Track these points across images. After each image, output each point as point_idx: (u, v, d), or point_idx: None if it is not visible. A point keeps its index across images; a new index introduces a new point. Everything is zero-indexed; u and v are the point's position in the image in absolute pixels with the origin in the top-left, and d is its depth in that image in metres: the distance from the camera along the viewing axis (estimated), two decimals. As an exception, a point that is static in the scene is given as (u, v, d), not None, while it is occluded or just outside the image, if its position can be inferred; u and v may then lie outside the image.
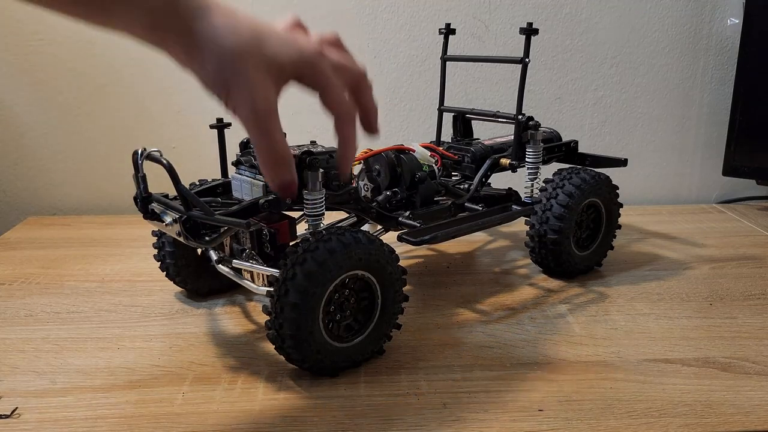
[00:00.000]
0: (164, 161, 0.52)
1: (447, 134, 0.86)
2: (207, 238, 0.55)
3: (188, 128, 1.03)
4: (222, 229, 0.55)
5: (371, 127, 0.49)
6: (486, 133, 0.93)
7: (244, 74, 0.41)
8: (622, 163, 0.79)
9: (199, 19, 0.40)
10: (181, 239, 0.54)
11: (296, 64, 0.43)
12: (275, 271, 0.52)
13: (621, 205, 0.77)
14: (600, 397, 0.51)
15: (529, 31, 0.70)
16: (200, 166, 1.03)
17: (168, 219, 0.53)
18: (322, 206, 0.54)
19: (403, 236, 0.61)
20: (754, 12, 0.98)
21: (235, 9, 0.43)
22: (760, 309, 0.67)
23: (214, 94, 0.42)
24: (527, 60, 0.71)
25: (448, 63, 0.84)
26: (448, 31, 0.82)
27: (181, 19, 0.40)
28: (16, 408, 0.49)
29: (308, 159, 0.52)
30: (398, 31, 1.02)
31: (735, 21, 1.06)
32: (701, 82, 1.10)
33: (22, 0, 0.38)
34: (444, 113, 0.84)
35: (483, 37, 1.04)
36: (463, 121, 0.85)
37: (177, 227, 0.53)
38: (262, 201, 0.54)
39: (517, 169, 0.76)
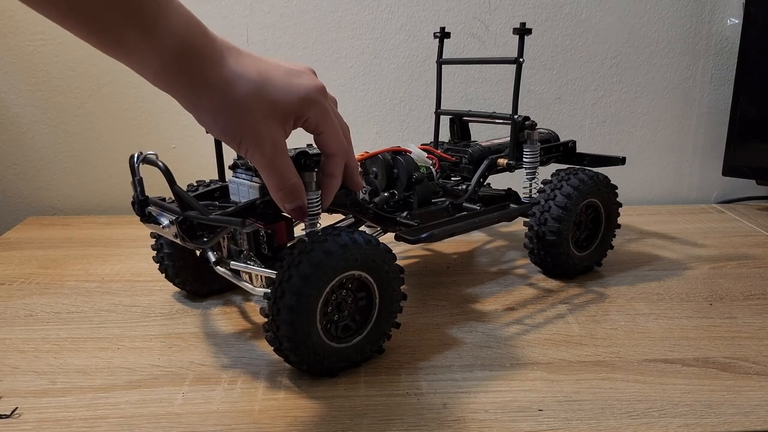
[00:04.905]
0: (160, 164, 0.53)
1: (445, 137, 0.86)
2: (204, 239, 0.55)
3: (188, 129, 1.03)
4: (218, 229, 0.55)
5: (356, 185, 0.55)
6: (485, 135, 0.93)
7: (253, 124, 0.44)
8: (620, 161, 0.79)
9: (210, 71, 0.42)
10: (178, 241, 0.54)
11: (300, 105, 0.46)
12: (272, 273, 0.52)
13: (620, 205, 0.77)
14: (600, 397, 0.51)
15: (523, 31, 0.71)
16: (199, 166, 1.03)
17: (165, 221, 0.53)
18: (319, 206, 0.54)
19: (401, 235, 0.61)
20: (754, 12, 0.98)
21: (242, 52, 0.44)
22: (760, 309, 0.67)
23: (225, 141, 0.45)
24: (521, 60, 0.72)
25: (447, 64, 0.84)
26: (443, 35, 0.82)
27: (192, 69, 0.41)
28: (16, 408, 0.49)
29: (303, 160, 0.52)
30: (398, 32, 1.02)
31: (735, 21, 1.06)
32: (701, 82, 1.10)
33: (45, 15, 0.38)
34: (441, 116, 0.84)
35: (483, 38, 1.04)
36: (460, 124, 0.85)
37: (174, 229, 0.53)
38: (258, 202, 0.54)
39: (515, 169, 0.76)
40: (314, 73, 0.49)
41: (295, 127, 0.48)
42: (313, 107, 0.47)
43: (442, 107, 0.85)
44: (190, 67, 0.41)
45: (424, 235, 0.61)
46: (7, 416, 0.48)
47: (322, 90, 0.47)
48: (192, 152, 1.04)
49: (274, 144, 0.45)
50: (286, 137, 0.47)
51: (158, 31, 0.39)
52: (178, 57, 0.40)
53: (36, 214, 1.04)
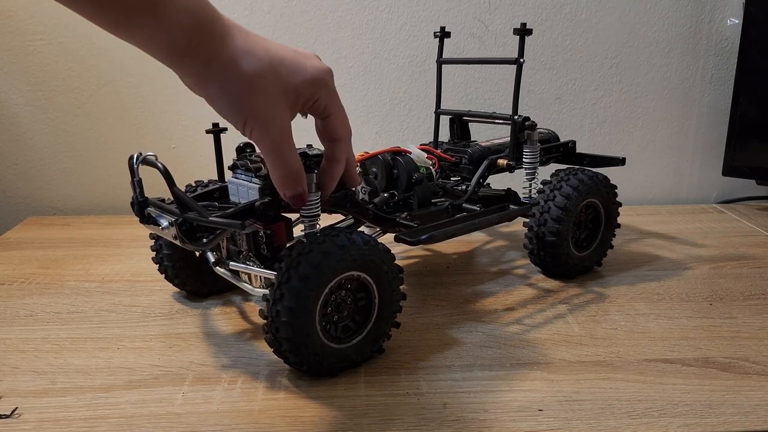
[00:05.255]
0: (159, 165, 0.53)
1: (445, 136, 0.86)
2: (204, 240, 0.55)
3: (188, 128, 1.03)
4: (218, 231, 0.55)
5: (354, 180, 0.55)
6: (485, 134, 0.93)
7: (262, 104, 0.43)
8: (620, 162, 0.79)
9: (220, 46, 0.41)
10: (177, 243, 0.54)
11: (310, 85, 0.45)
12: (271, 273, 0.52)
13: (620, 205, 0.77)
14: (600, 397, 0.51)
15: (523, 32, 0.71)
16: (199, 166, 1.03)
17: (164, 223, 0.53)
18: (318, 207, 0.54)
19: (400, 236, 0.61)
20: (754, 12, 0.98)
21: (249, 32, 0.44)
22: (760, 309, 0.67)
23: (230, 121, 0.44)
24: (522, 60, 0.72)
25: (447, 64, 0.84)
26: (443, 35, 0.82)
27: (203, 45, 0.41)
28: (16, 408, 0.49)
29: (304, 160, 0.52)
30: (398, 32, 1.02)
31: (735, 21, 1.06)
32: (701, 82, 1.10)
33: None
34: (441, 116, 0.84)
35: (483, 38, 1.04)
36: (460, 124, 0.85)
37: (173, 231, 0.53)
38: (257, 203, 0.54)
39: (515, 170, 0.76)
40: (319, 58, 0.48)
41: (302, 109, 0.47)
42: (323, 88, 0.46)
43: (442, 107, 0.85)
44: (200, 44, 0.40)
45: (423, 237, 0.61)
46: (7, 416, 0.48)
47: (330, 72, 0.47)
48: (192, 152, 1.04)
49: (281, 126, 0.45)
50: (292, 119, 0.46)
51: (168, 7, 0.38)
52: (188, 33, 0.40)
53: (36, 214, 1.04)
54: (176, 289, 0.70)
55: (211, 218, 0.52)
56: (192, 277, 0.67)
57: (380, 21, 1.02)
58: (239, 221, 0.51)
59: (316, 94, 0.46)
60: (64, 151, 1.03)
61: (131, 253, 0.84)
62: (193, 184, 0.65)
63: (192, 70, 0.42)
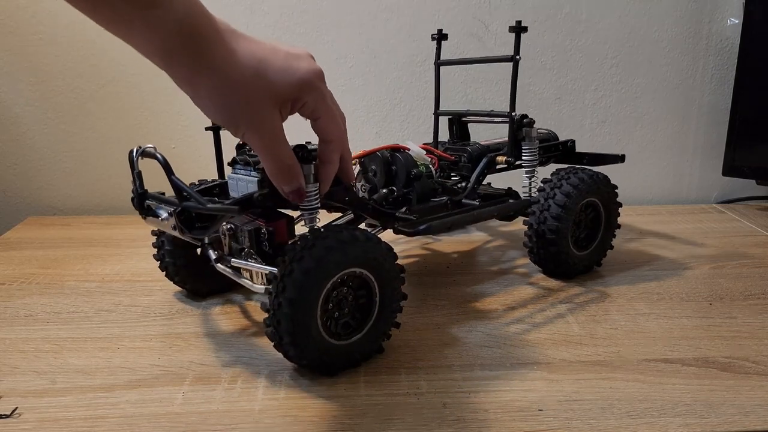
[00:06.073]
0: (159, 156, 0.54)
1: (444, 137, 0.86)
2: (203, 229, 0.55)
3: (188, 128, 1.03)
4: (216, 219, 0.56)
5: (348, 176, 0.55)
6: (484, 135, 0.93)
7: (251, 109, 0.44)
8: (619, 159, 0.79)
9: (210, 52, 0.42)
10: (176, 233, 0.54)
11: (296, 90, 0.46)
12: (273, 270, 0.52)
13: (620, 204, 0.77)
14: (600, 397, 0.51)
15: (519, 29, 0.71)
16: (199, 166, 1.03)
17: (163, 214, 0.54)
18: (317, 200, 0.54)
19: (399, 227, 0.61)
20: (754, 12, 0.98)
21: (241, 35, 0.44)
22: (760, 309, 0.67)
23: (222, 125, 0.45)
24: (518, 57, 0.72)
25: (445, 65, 0.84)
26: (441, 37, 0.82)
27: (192, 49, 0.41)
28: (16, 408, 0.49)
29: (301, 152, 0.52)
30: (398, 32, 1.02)
31: (735, 21, 1.06)
32: (701, 82, 1.10)
33: None
34: (440, 117, 0.84)
35: (483, 38, 1.04)
36: (459, 124, 0.85)
37: (173, 221, 0.53)
38: (256, 194, 0.54)
39: (514, 166, 0.76)
40: (312, 58, 0.49)
41: (292, 112, 0.47)
42: (311, 91, 0.46)
43: (442, 108, 0.85)
44: (191, 46, 0.41)
45: (422, 228, 0.61)
46: (7, 416, 0.48)
47: (320, 74, 0.47)
48: (192, 152, 1.04)
49: (272, 127, 0.45)
50: (284, 120, 0.47)
51: (160, 8, 0.39)
52: (178, 35, 0.40)
53: (36, 214, 1.04)
54: (176, 289, 0.70)
55: (209, 206, 0.52)
56: (191, 275, 0.67)
57: (380, 21, 1.02)
58: (236, 207, 0.51)
59: (303, 98, 0.46)
60: (64, 151, 1.03)
61: (131, 253, 0.84)
62: (197, 183, 0.65)
63: (181, 74, 0.42)
